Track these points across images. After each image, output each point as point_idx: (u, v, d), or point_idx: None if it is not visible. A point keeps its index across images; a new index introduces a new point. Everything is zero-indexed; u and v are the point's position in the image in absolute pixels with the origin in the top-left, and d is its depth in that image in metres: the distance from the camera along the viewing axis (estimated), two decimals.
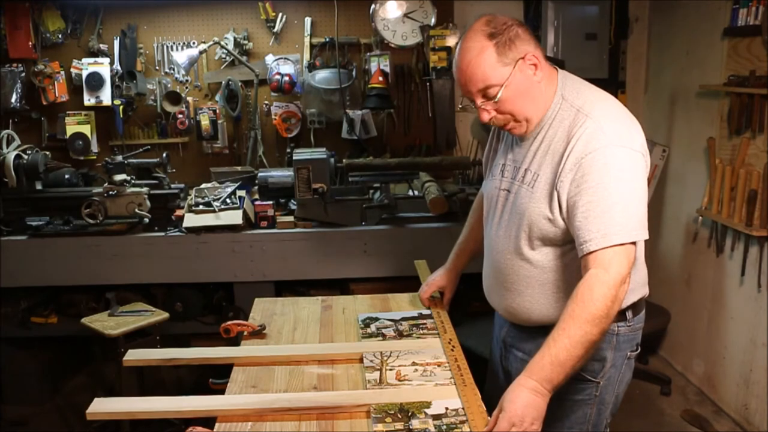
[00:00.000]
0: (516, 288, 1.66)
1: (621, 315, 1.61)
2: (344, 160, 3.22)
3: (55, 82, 3.57)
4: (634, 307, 1.64)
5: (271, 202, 3.16)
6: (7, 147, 3.23)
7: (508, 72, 1.48)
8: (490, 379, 1.95)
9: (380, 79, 3.46)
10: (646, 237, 1.49)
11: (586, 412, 1.65)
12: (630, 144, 1.47)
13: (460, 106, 1.63)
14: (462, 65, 1.51)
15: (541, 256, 1.59)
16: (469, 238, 2.02)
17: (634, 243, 1.45)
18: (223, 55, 3.63)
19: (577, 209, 1.46)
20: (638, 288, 1.64)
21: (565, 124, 1.52)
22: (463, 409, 1.48)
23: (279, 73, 3.57)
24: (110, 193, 3.05)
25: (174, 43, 3.65)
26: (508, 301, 1.70)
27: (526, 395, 1.38)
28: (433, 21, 3.50)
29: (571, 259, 1.53)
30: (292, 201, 3.19)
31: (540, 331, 1.47)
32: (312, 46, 3.63)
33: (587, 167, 1.45)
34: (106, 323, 2.81)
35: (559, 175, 1.49)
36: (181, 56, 3.38)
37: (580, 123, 1.49)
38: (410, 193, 3.38)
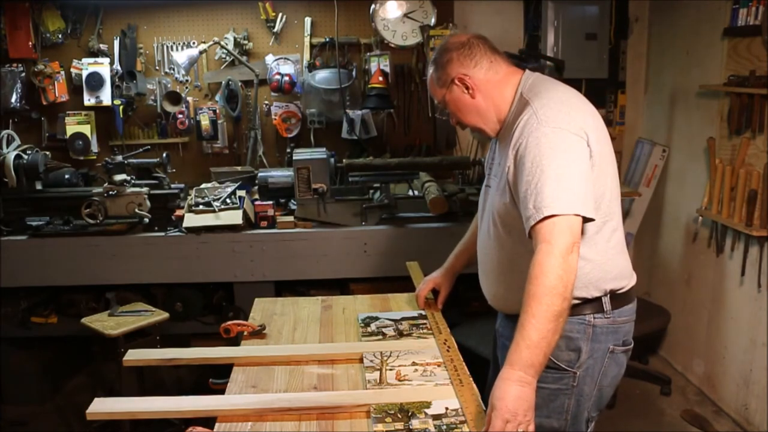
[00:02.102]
0: (493, 275, 1.76)
1: (596, 304, 1.64)
2: (344, 160, 3.22)
3: (55, 82, 3.57)
4: (613, 298, 1.65)
5: (271, 202, 3.16)
6: (7, 147, 3.23)
7: (443, 92, 1.73)
8: (493, 372, 1.97)
9: (380, 79, 3.45)
10: (590, 215, 1.50)
11: (563, 402, 1.67)
12: (563, 125, 1.54)
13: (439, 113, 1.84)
14: None
15: (510, 244, 1.68)
16: (470, 241, 2.06)
17: (578, 217, 1.47)
18: (223, 55, 3.63)
19: (519, 191, 1.55)
20: (613, 278, 1.65)
21: (517, 116, 1.64)
22: (461, 409, 1.48)
23: (279, 73, 3.57)
24: (110, 193, 3.05)
25: (174, 43, 3.65)
26: (488, 288, 1.81)
27: (514, 388, 1.39)
28: (433, 21, 3.50)
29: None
30: (292, 201, 3.19)
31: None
32: (312, 46, 3.63)
33: (522, 151, 1.56)
34: (106, 323, 2.81)
35: (507, 160, 1.61)
36: (181, 56, 3.38)
37: (523, 113, 1.61)
38: (410, 193, 3.38)
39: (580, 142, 1.54)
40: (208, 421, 1.48)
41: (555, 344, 1.44)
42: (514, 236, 1.64)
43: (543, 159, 1.50)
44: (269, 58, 3.63)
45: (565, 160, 1.50)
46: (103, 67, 3.51)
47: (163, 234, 3.11)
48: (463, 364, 1.69)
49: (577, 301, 1.60)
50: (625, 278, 1.69)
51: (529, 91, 1.65)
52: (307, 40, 3.62)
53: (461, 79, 1.67)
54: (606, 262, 1.63)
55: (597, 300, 1.64)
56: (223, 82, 3.61)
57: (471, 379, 1.61)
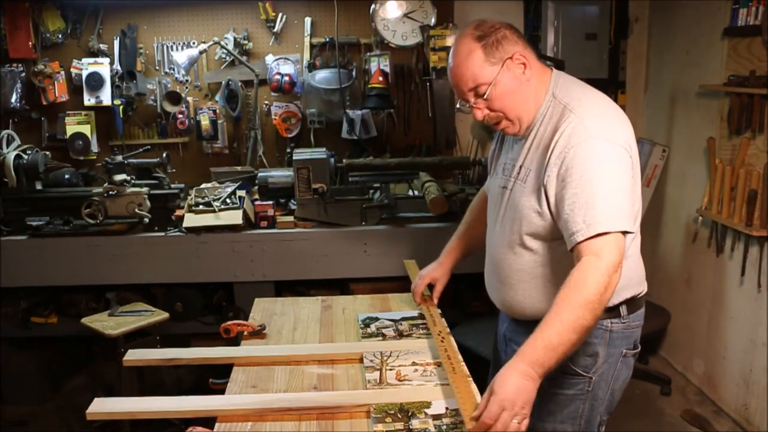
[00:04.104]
0: (510, 282, 1.70)
1: (614, 311, 1.63)
2: (344, 160, 3.22)
3: (55, 82, 3.57)
4: (629, 303, 1.65)
5: (271, 202, 3.16)
6: (7, 147, 3.23)
7: (495, 71, 1.55)
8: (493, 374, 1.95)
9: (380, 79, 3.46)
10: (632, 230, 1.49)
11: (578, 406, 1.66)
12: (612, 138, 1.50)
13: (457, 106, 1.69)
14: (453, 66, 1.61)
15: (533, 251, 1.63)
16: (464, 236, 2.04)
17: (623, 233, 1.46)
18: (223, 55, 3.63)
19: (564, 202, 1.49)
20: (632, 285, 1.65)
21: (553, 120, 1.57)
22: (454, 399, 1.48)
23: (279, 73, 3.57)
24: (110, 193, 3.05)
25: (174, 43, 3.65)
26: (503, 295, 1.75)
27: (517, 379, 1.37)
28: (433, 21, 3.51)
29: (562, 254, 1.55)
30: (292, 201, 3.19)
31: (535, 325, 1.48)
32: (312, 46, 3.64)
33: (570, 161, 1.49)
34: (106, 323, 2.81)
35: (545, 169, 1.54)
36: (181, 56, 3.38)
37: (565, 119, 1.54)
38: (410, 193, 3.38)
39: (626, 156, 1.51)
40: (208, 421, 1.48)
41: (569, 354, 1.43)
42: (537, 243, 1.61)
43: (594, 173, 1.46)
44: (269, 58, 3.63)
45: (615, 175, 1.47)
46: (103, 67, 3.52)
47: (163, 234, 3.11)
48: (457, 351, 1.69)
49: None
50: (642, 284, 1.69)
51: (564, 95, 1.58)
52: (307, 40, 3.62)
53: (520, 58, 1.56)
54: (628, 270, 1.60)
55: (615, 306, 1.63)
56: (223, 82, 3.61)
57: (463, 365, 1.61)
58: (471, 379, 1.57)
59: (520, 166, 1.64)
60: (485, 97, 1.58)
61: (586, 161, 1.47)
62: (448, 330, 1.85)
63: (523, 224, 1.62)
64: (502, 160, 1.76)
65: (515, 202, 1.64)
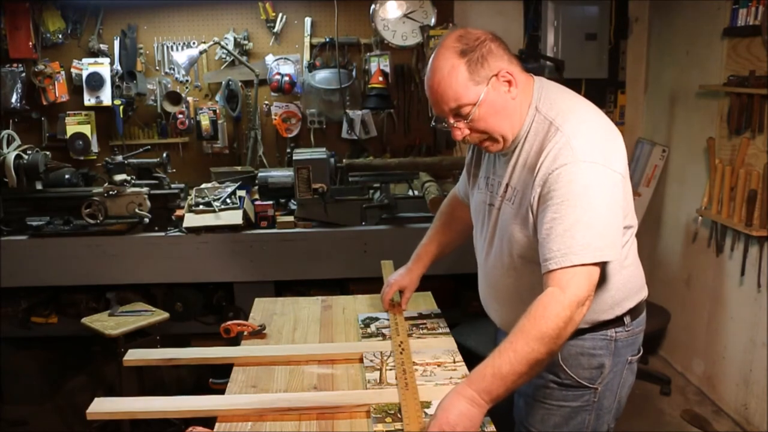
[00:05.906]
0: (507, 303, 1.66)
1: (618, 321, 1.61)
2: (344, 160, 3.23)
3: (56, 82, 3.57)
4: (633, 311, 1.63)
5: (271, 202, 3.16)
6: (8, 147, 3.23)
7: (480, 90, 1.44)
8: None
9: (380, 79, 3.46)
10: (615, 258, 1.44)
11: (584, 418, 1.64)
12: (601, 160, 1.41)
13: (433, 123, 1.58)
14: (433, 84, 1.47)
15: (527, 272, 1.55)
16: (433, 241, 2.01)
17: (598, 264, 1.40)
18: (223, 55, 3.63)
19: (541, 226, 1.42)
20: (633, 295, 1.62)
21: (539, 137, 1.48)
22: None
23: (279, 73, 3.57)
24: (110, 193, 3.05)
25: (174, 43, 3.65)
26: (500, 314, 1.72)
27: (462, 404, 1.34)
28: (433, 21, 3.51)
29: None
30: (292, 201, 3.19)
31: None
32: (312, 46, 3.64)
33: (552, 183, 1.41)
34: (106, 323, 2.81)
35: (531, 190, 1.47)
36: (181, 56, 3.38)
37: (551, 137, 1.45)
38: (410, 193, 3.38)
39: (612, 178, 1.43)
40: (208, 421, 1.48)
41: (521, 385, 1.38)
42: (533, 264, 1.50)
43: (576, 199, 1.38)
44: (269, 58, 3.63)
45: (599, 201, 1.39)
46: (103, 67, 3.51)
47: (163, 234, 3.11)
48: (413, 368, 1.65)
49: (600, 322, 1.59)
50: (642, 290, 1.66)
51: (549, 109, 1.49)
52: (307, 40, 3.62)
53: (506, 75, 1.46)
54: (628, 282, 1.59)
55: (620, 317, 1.61)
56: (223, 82, 3.61)
57: (416, 383, 1.57)
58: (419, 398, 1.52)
59: (507, 185, 1.56)
60: (469, 119, 1.47)
61: (569, 185, 1.39)
62: (409, 343, 1.79)
63: (514, 247, 1.55)
64: (484, 173, 1.68)
65: (505, 224, 1.57)
